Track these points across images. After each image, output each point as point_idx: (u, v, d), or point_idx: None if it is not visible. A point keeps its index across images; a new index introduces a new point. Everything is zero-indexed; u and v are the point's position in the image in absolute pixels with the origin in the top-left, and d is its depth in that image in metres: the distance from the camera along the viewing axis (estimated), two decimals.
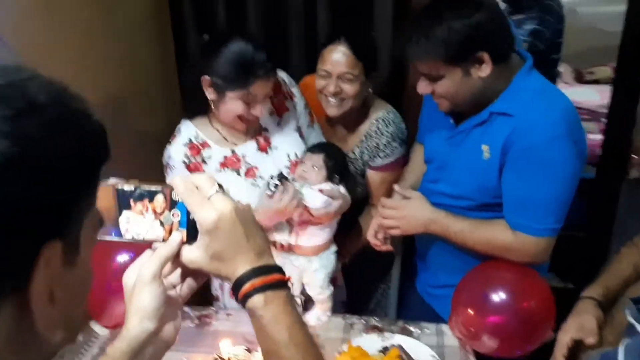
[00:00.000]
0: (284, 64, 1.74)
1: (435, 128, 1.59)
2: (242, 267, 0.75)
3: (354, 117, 1.79)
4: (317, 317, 1.69)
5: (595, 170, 2.41)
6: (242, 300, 0.75)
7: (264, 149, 1.67)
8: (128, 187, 0.79)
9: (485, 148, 1.41)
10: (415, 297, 1.80)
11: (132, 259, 1.72)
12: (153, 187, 0.79)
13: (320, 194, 1.59)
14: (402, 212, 1.54)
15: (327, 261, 1.69)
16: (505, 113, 1.38)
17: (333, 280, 1.85)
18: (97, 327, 1.55)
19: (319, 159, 1.65)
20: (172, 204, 0.79)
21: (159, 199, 0.79)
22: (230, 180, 1.62)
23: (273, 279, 0.76)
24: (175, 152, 1.61)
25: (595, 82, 3.77)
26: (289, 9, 2.12)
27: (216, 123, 1.63)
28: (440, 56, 1.32)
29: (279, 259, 1.68)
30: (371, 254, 1.75)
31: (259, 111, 1.55)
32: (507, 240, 1.42)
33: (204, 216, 0.75)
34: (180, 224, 0.79)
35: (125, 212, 0.79)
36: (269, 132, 1.69)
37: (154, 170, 1.68)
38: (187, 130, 1.64)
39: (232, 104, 1.52)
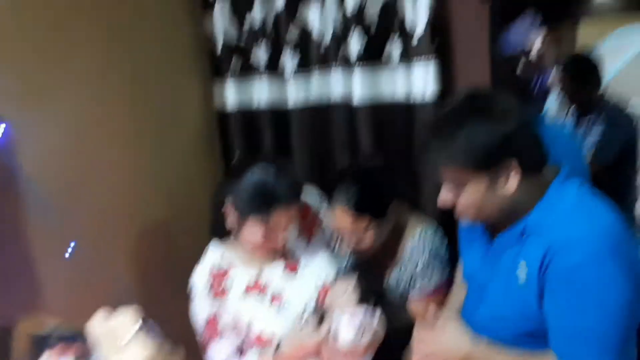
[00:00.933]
0: (327, 186, 1.68)
1: (472, 243, 1.44)
2: None
3: (387, 242, 1.67)
4: None
5: None
6: None
7: (291, 272, 1.59)
8: (45, 331, 0.73)
9: (521, 270, 1.24)
10: None
11: None
12: (73, 331, 0.73)
13: (349, 327, 1.45)
14: (438, 344, 1.36)
15: None
16: (540, 229, 1.22)
17: None
18: None
19: (350, 282, 1.54)
20: (95, 348, 0.71)
21: (79, 343, 0.72)
22: (255, 306, 1.55)
23: None
24: (199, 277, 1.57)
25: None
26: (332, 128, 2.14)
27: (242, 245, 1.58)
28: (463, 164, 1.21)
29: None
30: None
31: (281, 239, 1.50)
32: None
33: None
34: None
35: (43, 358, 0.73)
36: (297, 255, 1.62)
37: None
38: (214, 252, 1.61)
39: (253, 231, 1.48)
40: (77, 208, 1.65)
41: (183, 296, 1.61)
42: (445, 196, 1.30)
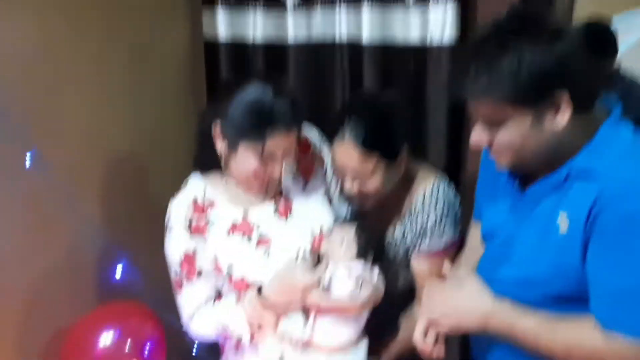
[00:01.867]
0: (330, 123, 1.46)
1: (496, 195, 1.27)
2: None
3: (394, 192, 1.47)
4: None
5: None
6: None
7: (283, 215, 1.40)
8: None
9: (562, 219, 1.08)
10: None
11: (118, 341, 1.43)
12: None
13: (346, 278, 1.28)
14: (453, 302, 1.19)
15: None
16: (588, 173, 1.06)
17: None
18: None
19: (349, 231, 1.37)
20: None
21: None
22: (238, 248, 1.36)
23: None
24: (177, 210, 1.36)
25: None
26: (335, 69, 1.95)
27: (229, 179, 1.39)
28: (506, 95, 1.03)
29: (294, 356, 1.40)
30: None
31: (276, 171, 1.30)
32: (596, 345, 1.03)
33: None
34: None
35: None
36: (291, 198, 1.43)
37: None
38: (195, 185, 1.40)
39: (245, 160, 1.28)
40: (37, 125, 1.42)
41: (155, 233, 1.42)
42: (478, 136, 1.11)
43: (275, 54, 1.99)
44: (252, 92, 1.24)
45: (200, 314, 1.36)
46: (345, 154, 1.36)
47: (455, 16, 1.73)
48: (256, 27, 1.99)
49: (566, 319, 1.08)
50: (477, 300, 1.16)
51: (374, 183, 1.39)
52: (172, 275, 1.37)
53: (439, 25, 1.75)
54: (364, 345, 1.37)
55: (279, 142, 1.26)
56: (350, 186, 1.40)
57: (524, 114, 1.05)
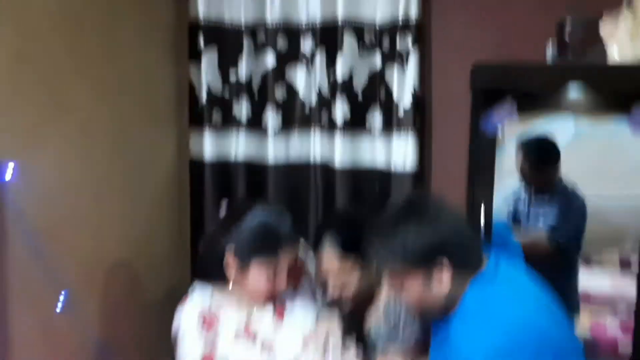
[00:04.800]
0: (312, 236, 1.88)
1: None
2: None
3: (369, 291, 1.80)
4: None
5: None
6: None
7: (280, 318, 1.70)
8: None
9: None
10: None
11: None
12: None
13: None
14: None
15: None
16: (448, 334, 1.43)
17: None
18: None
19: (332, 321, 1.70)
20: None
21: None
22: (245, 350, 1.62)
23: None
24: (188, 316, 1.62)
25: None
26: (310, 188, 2.32)
27: (235, 288, 1.67)
28: (398, 261, 1.43)
29: None
30: None
31: (283, 282, 1.63)
32: None
33: None
34: None
35: None
36: (285, 303, 1.73)
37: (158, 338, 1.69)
38: (202, 296, 1.67)
39: (258, 276, 1.60)
40: (57, 252, 1.70)
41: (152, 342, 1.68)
42: (391, 290, 1.56)
43: (254, 171, 2.35)
44: (260, 217, 1.60)
45: None
46: (327, 260, 1.74)
47: (415, 147, 2.14)
48: (239, 147, 2.35)
49: None
50: None
51: (354, 280, 1.75)
52: None
53: (401, 154, 2.16)
54: None
55: (285, 258, 1.61)
56: (333, 291, 1.75)
57: (416, 276, 1.43)
